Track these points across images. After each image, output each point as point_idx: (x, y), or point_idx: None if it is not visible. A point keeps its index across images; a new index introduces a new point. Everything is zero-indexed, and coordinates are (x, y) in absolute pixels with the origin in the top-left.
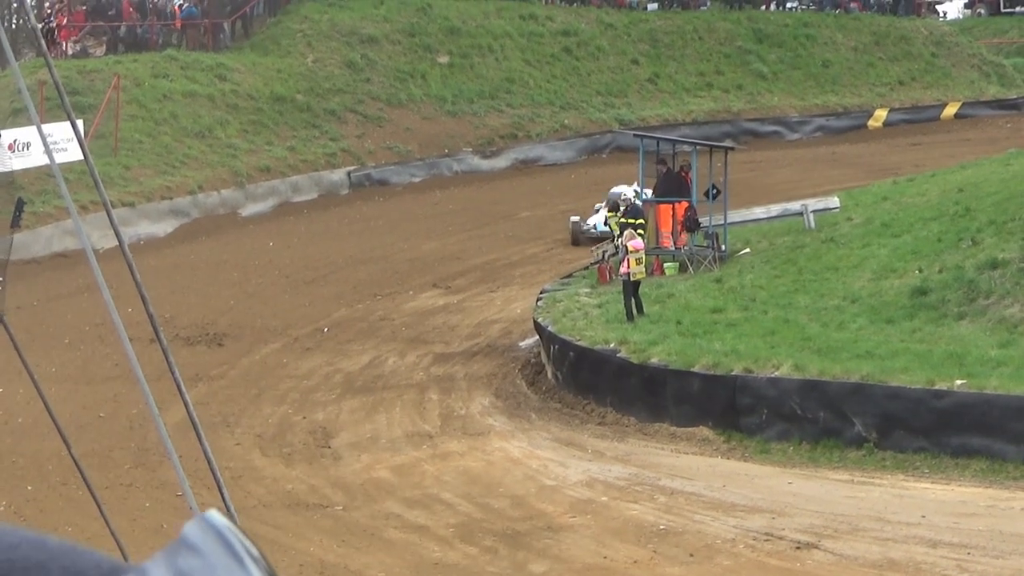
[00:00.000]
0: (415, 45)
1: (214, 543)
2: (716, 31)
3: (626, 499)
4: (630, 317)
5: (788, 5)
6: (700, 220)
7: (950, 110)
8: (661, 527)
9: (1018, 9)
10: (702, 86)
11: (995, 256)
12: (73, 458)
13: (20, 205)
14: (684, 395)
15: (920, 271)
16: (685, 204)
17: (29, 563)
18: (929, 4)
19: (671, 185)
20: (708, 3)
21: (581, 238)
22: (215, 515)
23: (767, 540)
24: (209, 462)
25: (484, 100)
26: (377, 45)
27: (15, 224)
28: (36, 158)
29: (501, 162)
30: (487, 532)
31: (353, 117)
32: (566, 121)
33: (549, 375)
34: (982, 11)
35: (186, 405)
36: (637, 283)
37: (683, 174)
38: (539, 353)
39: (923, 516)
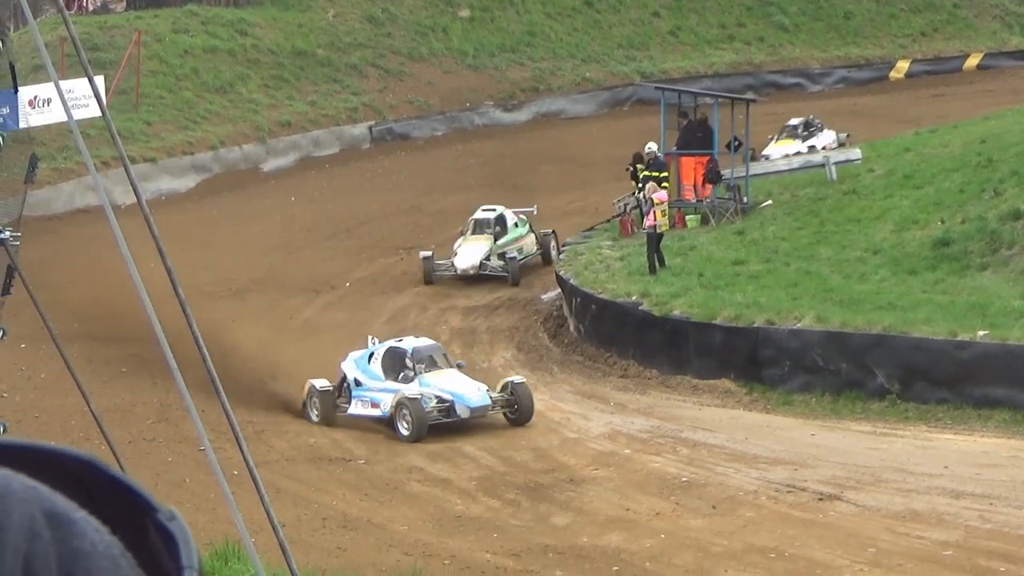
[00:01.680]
0: None
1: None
2: None
3: (648, 451)
4: (652, 270)
5: None
6: (722, 172)
7: (972, 61)
8: (683, 479)
9: None
10: (724, 38)
11: (1017, 207)
12: (93, 413)
13: (34, 161)
14: (706, 347)
15: (942, 222)
16: (707, 157)
17: None
18: None
19: (692, 136)
20: None
21: (434, 278)
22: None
23: (789, 492)
24: (228, 416)
25: (505, 54)
26: None
27: (29, 180)
28: (56, 114)
29: (522, 115)
30: (509, 485)
31: (374, 71)
32: (587, 74)
33: (571, 328)
34: None
35: (204, 361)
36: (660, 235)
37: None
38: (561, 306)
39: (946, 467)
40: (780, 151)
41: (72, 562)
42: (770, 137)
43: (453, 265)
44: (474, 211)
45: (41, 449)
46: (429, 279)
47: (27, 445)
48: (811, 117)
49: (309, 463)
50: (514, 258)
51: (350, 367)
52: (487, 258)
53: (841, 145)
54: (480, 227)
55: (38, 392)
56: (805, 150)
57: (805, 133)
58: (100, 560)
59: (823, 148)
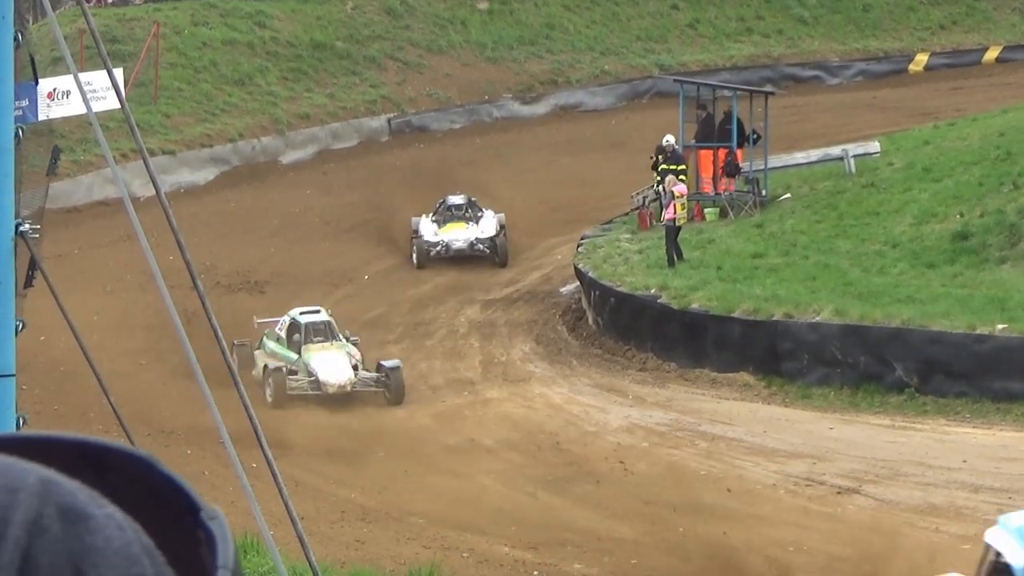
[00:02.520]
0: None
1: None
2: None
3: (667, 445)
4: (671, 263)
5: None
6: (740, 165)
7: (991, 54)
8: (702, 473)
9: None
10: (742, 31)
11: None
12: (112, 406)
13: (56, 153)
14: (725, 340)
15: (961, 215)
16: (725, 150)
17: None
18: None
19: (711, 130)
20: None
21: (427, 262)
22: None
23: (808, 485)
24: (247, 409)
25: (524, 46)
26: None
27: (51, 172)
28: (76, 106)
29: (541, 108)
30: (528, 478)
31: (393, 64)
32: (606, 67)
33: (590, 321)
34: None
35: (223, 352)
36: (678, 229)
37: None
38: (580, 299)
39: (964, 461)
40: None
41: (82, 557)
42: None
43: (445, 245)
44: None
45: (96, 445)
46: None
47: (82, 441)
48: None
49: (328, 456)
50: (498, 238)
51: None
52: (475, 239)
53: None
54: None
55: (57, 384)
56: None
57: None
58: (113, 557)
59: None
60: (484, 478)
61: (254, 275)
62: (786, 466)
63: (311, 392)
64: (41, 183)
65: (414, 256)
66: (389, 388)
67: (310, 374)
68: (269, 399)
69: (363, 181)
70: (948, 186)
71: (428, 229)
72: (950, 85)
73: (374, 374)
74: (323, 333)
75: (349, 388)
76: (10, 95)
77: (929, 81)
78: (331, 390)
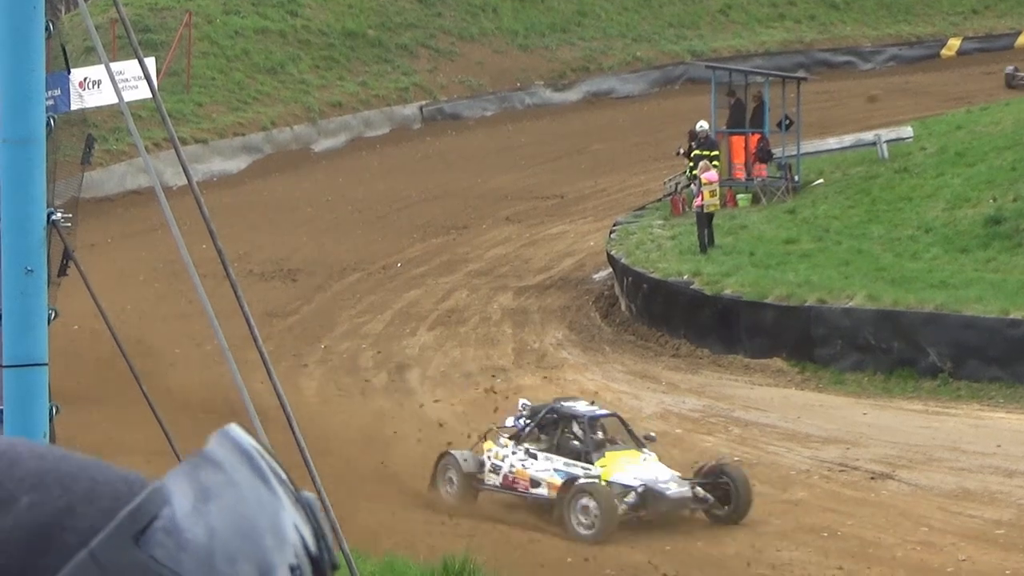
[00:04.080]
0: None
1: (238, 459)
2: None
3: (700, 431)
4: (703, 249)
5: None
6: (773, 151)
7: None
8: (736, 459)
9: None
10: (774, 17)
11: None
12: (145, 395)
13: (91, 142)
14: (758, 326)
15: (994, 200)
16: (757, 136)
17: (60, 473)
18: None
19: (741, 116)
20: None
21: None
22: (237, 430)
23: (842, 471)
24: (279, 397)
25: (556, 33)
26: None
27: (85, 161)
28: (108, 96)
29: (573, 95)
30: None
31: (425, 51)
32: (638, 53)
33: (623, 307)
34: None
35: (255, 340)
36: (711, 215)
37: (755, 103)
38: (612, 286)
39: (998, 446)
40: None
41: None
42: None
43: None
44: None
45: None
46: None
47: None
48: None
49: (361, 443)
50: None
51: (495, 440)
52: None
53: None
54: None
55: (90, 374)
56: None
57: None
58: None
59: None
60: None
61: (287, 263)
62: (820, 452)
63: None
64: (75, 172)
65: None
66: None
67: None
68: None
69: (395, 169)
70: (981, 171)
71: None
72: (982, 70)
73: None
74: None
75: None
76: (41, 84)
77: (962, 66)
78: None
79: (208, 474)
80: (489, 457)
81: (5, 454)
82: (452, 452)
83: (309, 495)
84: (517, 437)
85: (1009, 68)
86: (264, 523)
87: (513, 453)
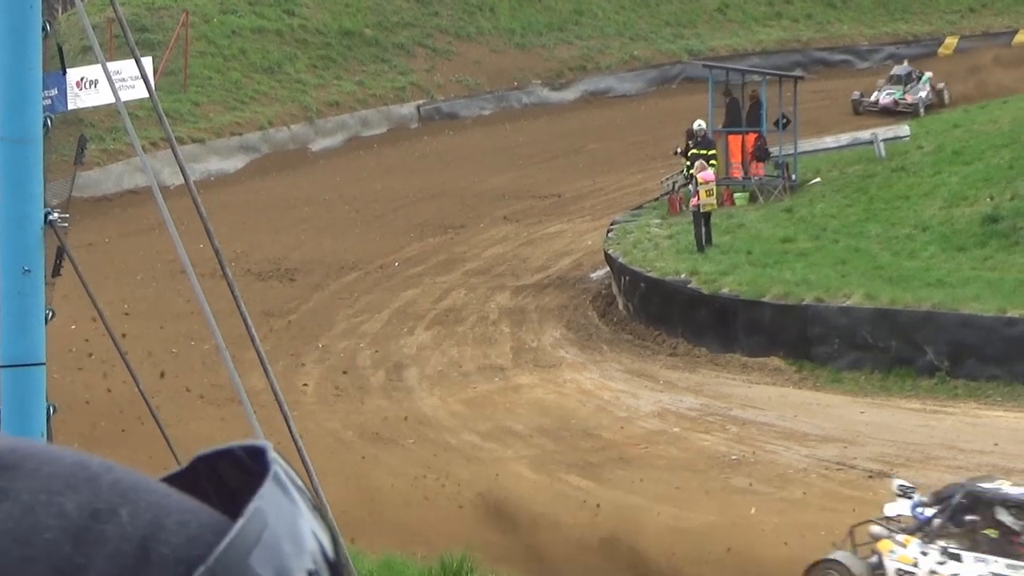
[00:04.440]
0: None
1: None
2: None
3: (698, 430)
4: (701, 248)
5: None
6: (770, 150)
7: (1021, 37)
8: (733, 457)
9: None
10: (771, 16)
11: None
12: (142, 394)
13: (83, 143)
14: (755, 325)
15: (991, 198)
16: (754, 135)
17: (138, 486)
18: None
19: (738, 115)
20: None
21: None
22: (255, 441)
23: (839, 469)
24: (276, 396)
25: (553, 32)
26: None
27: (78, 161)
28: (105, 95)
29: (570, 94)
30: (559, 463)
31: (422, 51)
32: (635, 52)
33: (620, 306)
34: None
35: (252, 340)
36: (708, 214)
37: (751, 101)
38: (610, 285)
39: (996, 444)
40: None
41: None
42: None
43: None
44: None
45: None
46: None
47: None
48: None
49: (359, 442)
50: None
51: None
52: None
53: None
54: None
55: (87, 373)
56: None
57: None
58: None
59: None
60: (516, 464)
61: (284, 263)
62: (817, 450)
63: None
64: (68, 172)
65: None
66: None
67: None
68: None
69: (393, 168)
70: (978, 169)
71: None
72: None
73: None
74: None
75: None
76: (38, 84)
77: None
78: None
79: None
80: (891, 560)
81: (82, 466)
82: (837, 558)
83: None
84: (921, 531)
85: (855, 94)
86: (283, 530)
87: (924, 554)
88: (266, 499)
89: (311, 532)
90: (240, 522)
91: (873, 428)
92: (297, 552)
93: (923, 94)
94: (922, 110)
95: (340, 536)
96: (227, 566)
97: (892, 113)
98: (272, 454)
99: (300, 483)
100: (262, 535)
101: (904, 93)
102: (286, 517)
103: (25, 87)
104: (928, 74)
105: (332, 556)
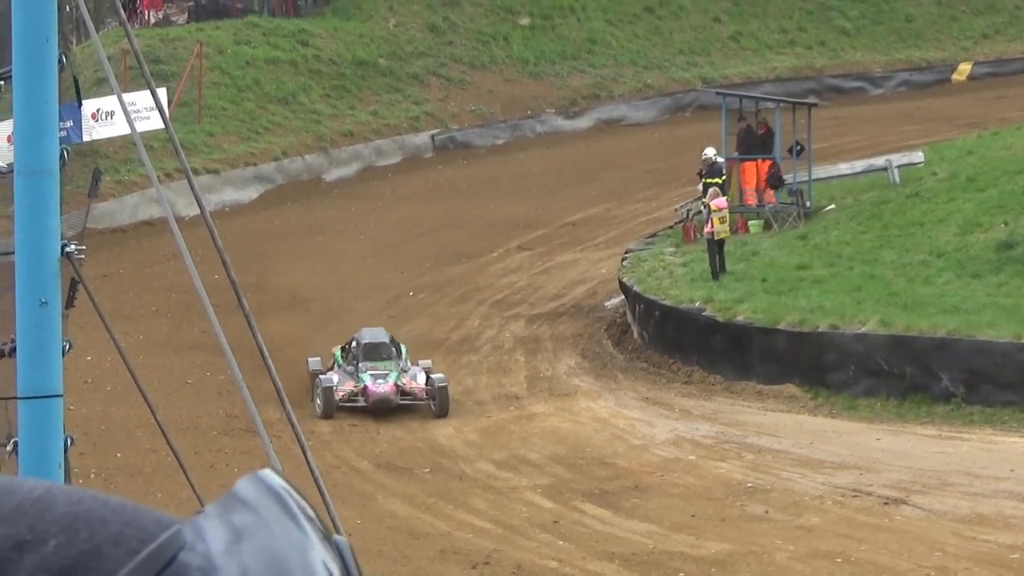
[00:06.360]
0: (496, 7)
1: (268, 500)
2: None
3: (713, 457)
4: (715, 275)
5: None
6: (784, 177)
7: (959, 75)
8: (749, 485)
9: None
10: (785, 43)
11: None
12: (159, 424)
13: (97, 175)
14: (770, 352)
15: (1006, 224)
16: (768, 162)
17: (91, 516)
18: None
19: (752, 142)
20: None
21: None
22: (269, 473)
23: (855, 496)
24: (293, 427)
25: (566, 61)
26: (458, 7)
27: (92, 193)
28: (120, 127)
29: (584, 122)
30: (575, 492)
31: (436, 80)
32: (648, 80)
33: (635, 335)
34: None
35: (269, 371)
36: (721, 241)
37: (762, 129)
38: (624, 313)
39: (1012, 470)
40: None
41: None
42: None
43: (365, 394)
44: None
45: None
46: (329, 412)
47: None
48: None
49: (375, 472)
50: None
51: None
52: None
53: None
54: (376, 351)
55: (104, 404)
56: None
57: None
58: None
59: None
60: (531, 493)
61: (300, 292)
62: (833, 477)
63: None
64: (84, 203)
65: (318, 404)
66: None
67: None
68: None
69: (407, 197)
70: (993, 195)
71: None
72: (994, 94)
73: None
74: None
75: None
76: (54, 117)
77: (973, 91)
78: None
79: (240, 515)
80: None
81: (40, 499)
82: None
83: (340, 538)
84: None
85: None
86: (294, 561)
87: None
88: (214, 521)
89: (322, 563)
90: (149, 547)
91: (889, 455)
92: None
93: None
94: None
95: (356, 566)
96: None
97: None
98: (273, 481)
99: (312, 513)
100: (202, 557)
101: None
102: (296, 547)
103: (42, 119)
104: None
105: None
